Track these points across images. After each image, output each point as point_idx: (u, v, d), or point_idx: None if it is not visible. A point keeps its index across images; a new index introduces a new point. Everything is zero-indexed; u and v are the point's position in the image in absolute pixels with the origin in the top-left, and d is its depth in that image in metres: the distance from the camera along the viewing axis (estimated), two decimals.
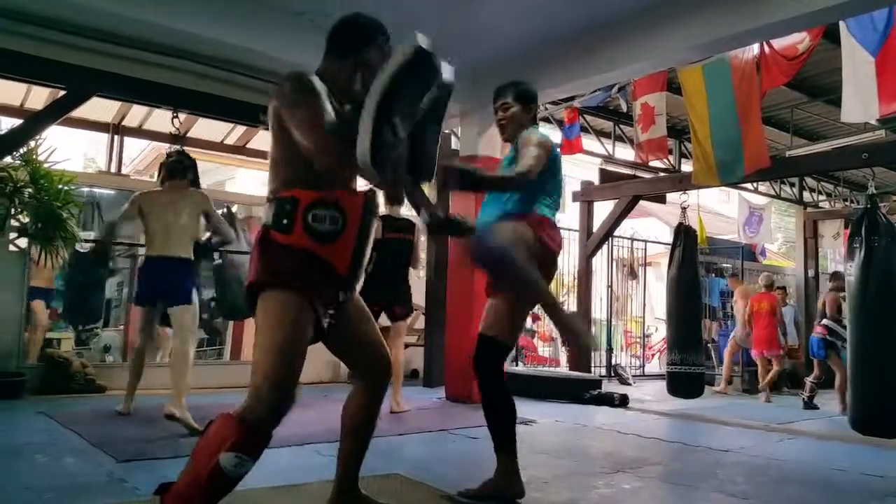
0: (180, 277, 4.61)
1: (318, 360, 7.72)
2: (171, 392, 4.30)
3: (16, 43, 5.21)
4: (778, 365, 8.44)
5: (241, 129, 8.48)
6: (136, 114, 7.99)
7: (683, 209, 6.96)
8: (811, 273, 11.36)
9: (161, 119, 7.28)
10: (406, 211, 5.68)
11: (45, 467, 3.39)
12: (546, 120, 8.82)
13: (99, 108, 7.40)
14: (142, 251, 5.46)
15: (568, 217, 10.11)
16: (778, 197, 11.76)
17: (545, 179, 3.08)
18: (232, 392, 6.21)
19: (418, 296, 8.06)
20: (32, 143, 5.61)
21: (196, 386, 5.80)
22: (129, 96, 6.31)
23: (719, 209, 17.20)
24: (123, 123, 8.23)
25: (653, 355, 12.25)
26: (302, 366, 2.06)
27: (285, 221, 2.07)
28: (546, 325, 11.65)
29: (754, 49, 6.60)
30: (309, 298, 2.07)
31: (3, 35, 5.16)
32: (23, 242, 6.05)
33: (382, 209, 5.59)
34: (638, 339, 11.78)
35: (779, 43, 6.46)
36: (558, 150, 3.29)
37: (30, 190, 5.60)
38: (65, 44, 5.33)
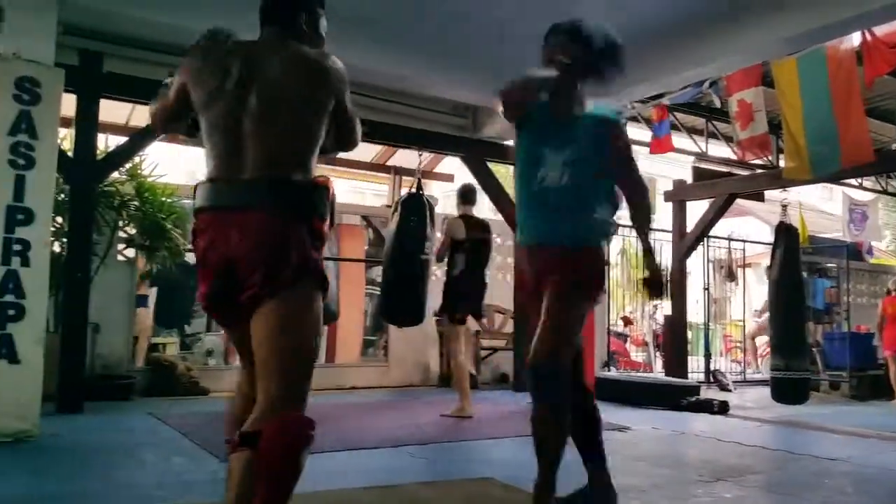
0: None
1: (408, 363, 7.83)
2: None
3: (129, 68, 5.55)
4: None
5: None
6: None
7: (784, 207, 6.67)
8: None
9: None
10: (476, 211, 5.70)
11: (154, 465, 3.59)
12: (634, 119, 8.63)
13: None
14: None
15: (659, 217, 9.85)
16: (885, 192, 11.07)
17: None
18: (327, 393, 6.38)
19: (506, 299, 8.06)
20: (137, 159, 5.95)
21: None
22: None
23: (822, 206, 16.39)
24: None
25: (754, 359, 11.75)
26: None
27: (323, 209, 1.92)
28: (639, 330, 11.39)
29: (854, 38, 6.25)
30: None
31: (117, 61, 5.51)
32: (130, 252, 6.42)
33: (458, 210, 5.61)
34: (738, 344, 11.33)
35: (881, 30, 6.09)
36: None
37: (135, 203, 5.97)
38: (169, 64, 5.62)
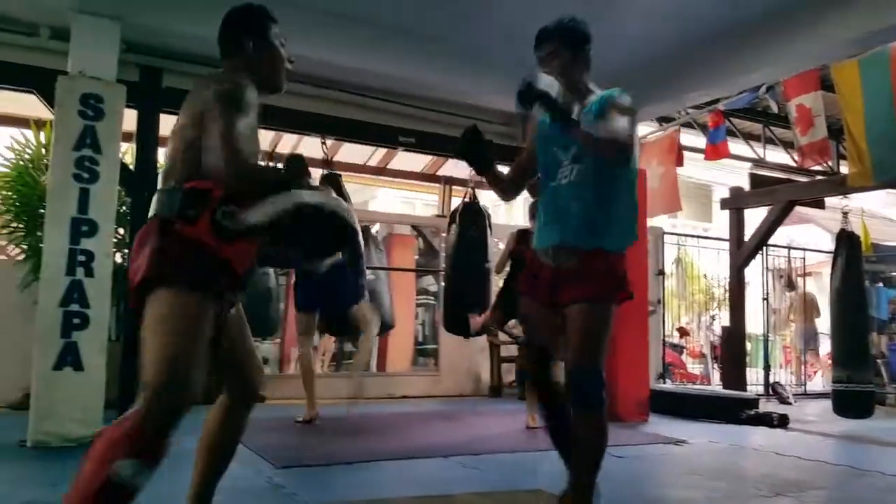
0: (340, 283, 4.84)
1: (459, 372, 7.82)
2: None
3: (187, 83, 5.65)
4: None
5: (381, 151, 8.80)
6: (287, 141, 8.51)
7: (845, 214, 6.47)
8: None
9: (311, 145, 7.70)
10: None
11: None
12: (689, 125, 8.50)
13: None
14: None
15: (716, 226, 9.65)
16: None
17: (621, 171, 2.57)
18: (378, 402, 6.43)
19: None
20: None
21: (339, 397, 6.05)
22: (282, 126, 6.71)
23: (886, 213, 15.81)
24: (277, 150, 8.77)
25: (815, 372, 11.38)
26: (198, 367, 1.87)
27: (192, 212, 1.89)
28: (696, 341, 11.16)
29: None
30: (207, 295, 1.91)
31: (175, 76, 5.67)
32: None
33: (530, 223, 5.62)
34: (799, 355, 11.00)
35: None
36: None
37: None
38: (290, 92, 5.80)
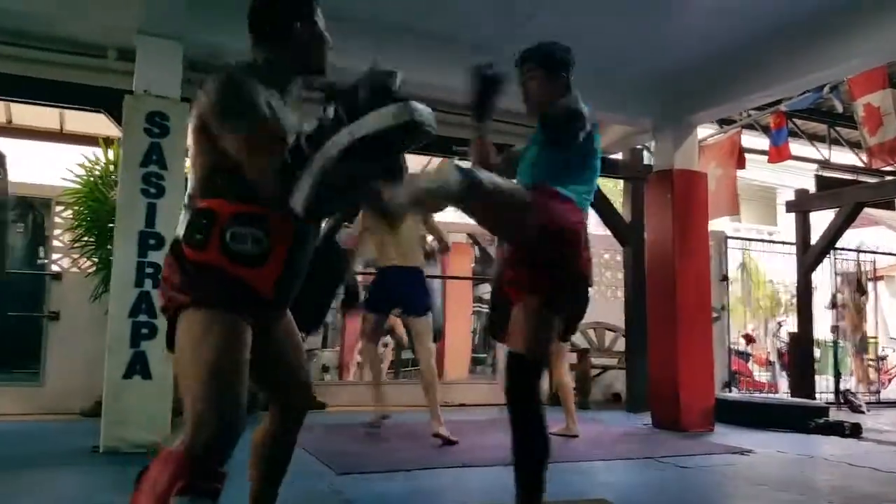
0: (417, 288, 4.83)
1: None
2: (430, 411, 4.65)
3: None
4: None
5: (436, 161, 8.84)
6: None
7: None
8: None
9: None
10: None
11: None
12: (751, 126, 8.30)
13: None
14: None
15: (781, 229, 9.38)
16: None
17: (573, 160, 2.56)
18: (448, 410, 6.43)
19: (616, 317, 7.88)
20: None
21: (405, 404, 6.08)
22: None
23: None
24: None
25: (889, 380, 10.92)
26: (240, 388, 1.74)
27: (199, 236, 1.77)
28: (762, 348, 10.84)
29: None
30: (234, 315, 1.78)
31: None
32: None
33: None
34: (872, 362, 10.57)
35: None
36: (598, 128, 2.66)
37: None
38: None
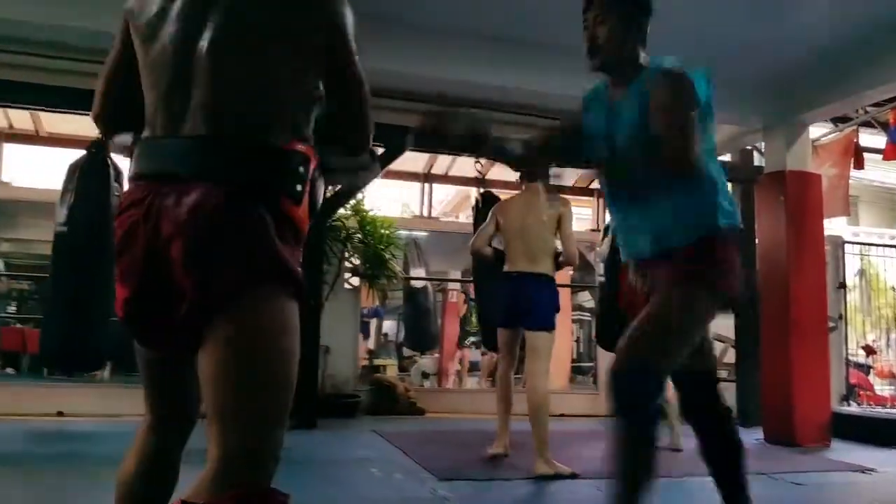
0: (544, 297, 4.15)
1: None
2: (535, 445, 3.91)
3: None
4: None
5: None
6: (442, 163, 8.76)
7: None
8: None
9: (464, 165, 7.89)
10: None
11: (378, 481, 3.81)
12: (868, 124, 7.81)
13: (410, 160, 8.23)
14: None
15: None
16: None
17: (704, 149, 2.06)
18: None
19: (727, 328, 7.58)
20: (360, 195, 6.46)
21: (485, 412, 6.05)
22: (438, 147, 6.89)
23: None
24: (432, 171, 9.05)
25: None
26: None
27: (299, 187, 1.32)
28: (885, 360, 10.17)
29: None
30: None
31: None
32: (355, 281, 6.97)
33: None
34: None
35: None
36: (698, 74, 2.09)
37: (359, 236, 6.53)
38: (384, 107, 6.03)
